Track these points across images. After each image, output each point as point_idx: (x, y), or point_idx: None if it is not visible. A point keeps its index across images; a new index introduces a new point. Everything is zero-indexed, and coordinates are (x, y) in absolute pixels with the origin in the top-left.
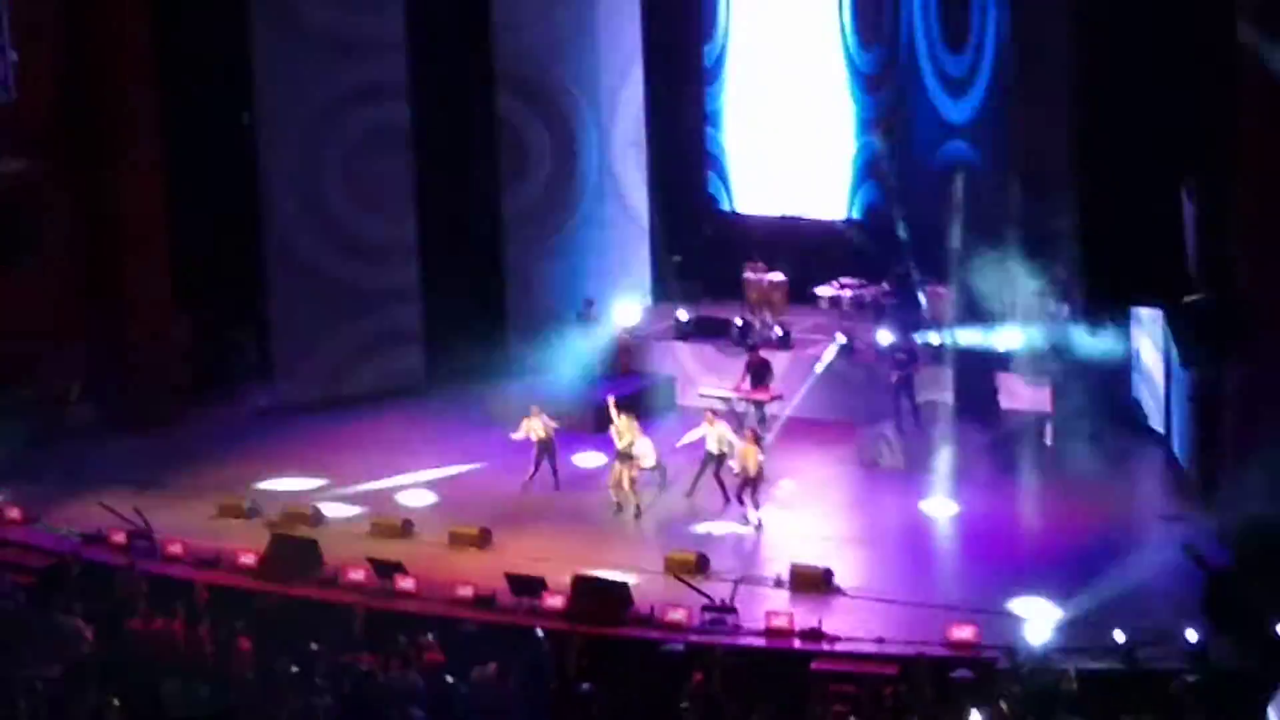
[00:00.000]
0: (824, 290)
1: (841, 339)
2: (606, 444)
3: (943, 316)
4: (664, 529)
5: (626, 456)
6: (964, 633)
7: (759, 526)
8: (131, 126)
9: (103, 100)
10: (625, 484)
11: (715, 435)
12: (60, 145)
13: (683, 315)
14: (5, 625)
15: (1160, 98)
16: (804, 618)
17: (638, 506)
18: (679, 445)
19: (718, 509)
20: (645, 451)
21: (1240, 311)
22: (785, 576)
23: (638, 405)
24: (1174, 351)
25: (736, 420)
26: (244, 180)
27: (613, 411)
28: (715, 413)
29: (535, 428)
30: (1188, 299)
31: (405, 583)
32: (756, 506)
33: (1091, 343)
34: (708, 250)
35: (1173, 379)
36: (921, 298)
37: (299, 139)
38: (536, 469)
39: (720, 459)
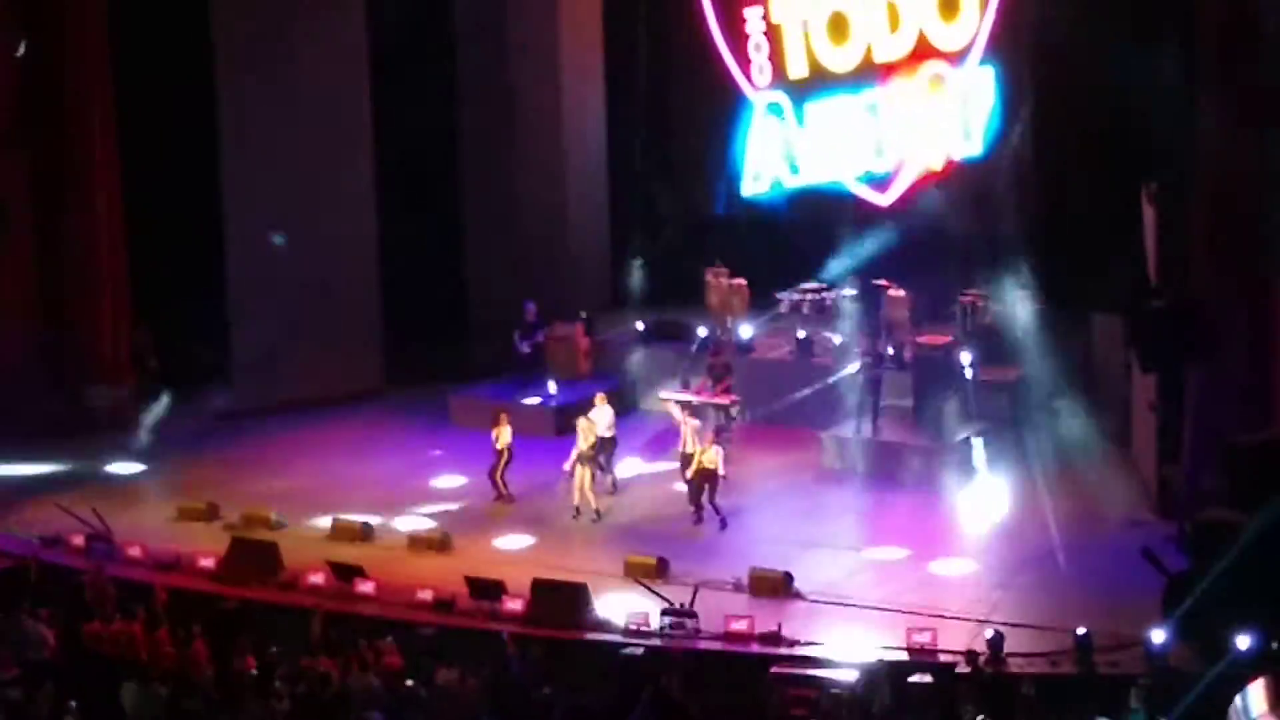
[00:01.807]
0: (784, 294)
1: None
2: (564, 448)
3: (902, 320)
4: (624, 532)
5: (588, 458)
6: (923, 637)
7: (724, 526)
8: (91, 130)
9: (62, 104)
10: (585, 486)
11: (690, 433)
12: (19, 150)
13: (642, 320)
14: None
15: (1120, 100)
16: (763, 621)
17: (596, 510)
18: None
19: (679, 512)
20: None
21: (1198, 317)
22: (745, 580)
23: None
24: (1132, 357)
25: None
26: (205, 182)
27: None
28: (687, 411)
29: (503, 435)
30: (1147, 305)
31: (365, 586)
32: (717, 509)
33: (1051, 347)
34: (668, 254)
35: (1133, 384)
36: (881, 301)
37: (260, 142)
38: (499, 481)
39: (691, 458)
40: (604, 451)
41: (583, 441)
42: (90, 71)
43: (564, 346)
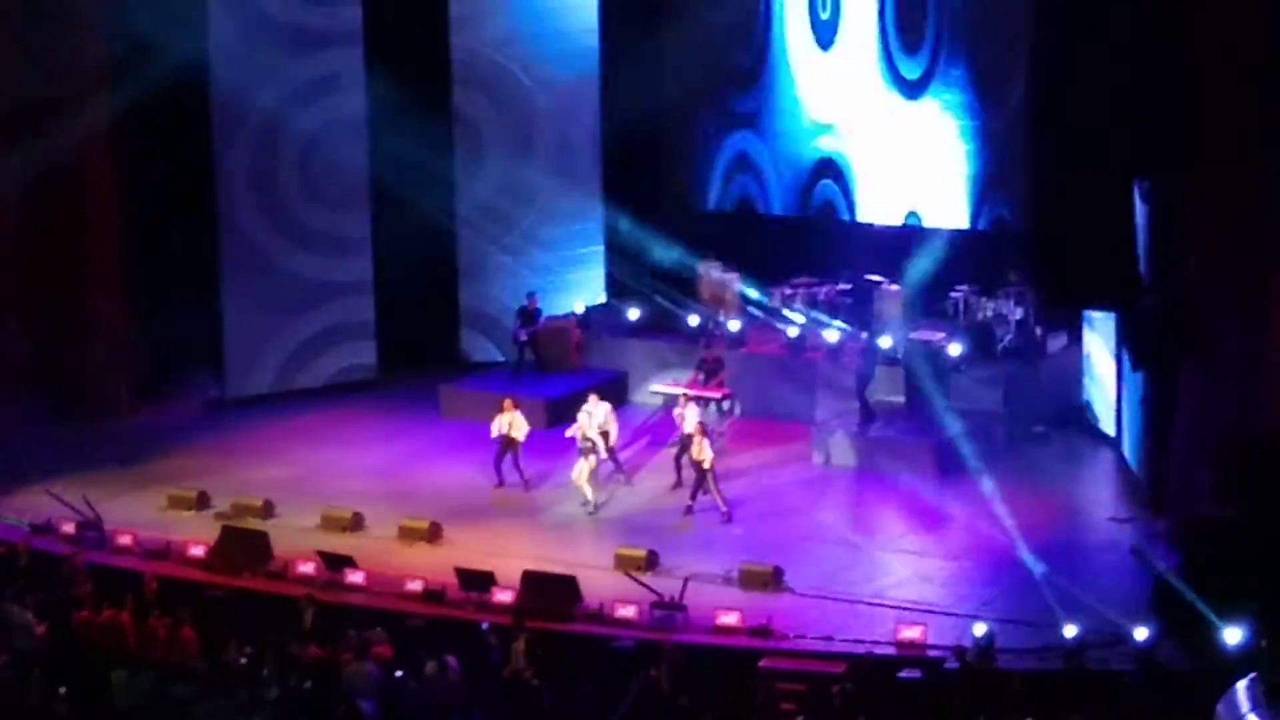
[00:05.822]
0: (777, 288)
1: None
2: (556, 440)
3: (894, 315)
4: (615, 525)
5: (587, 451)
6: (912, 632)
7: (728, 519)
8: (86, 117)
9: (58, 93)
10: (583, 478)
11: (690, 416)
12: (13, 137)
13: (635, 312)
14: None
15: (1114, 98)
16: (753, 615)
17: (594, 503)
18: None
19: (670, 505)
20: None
21: (1191, 314)
22: (735, 574)
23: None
24: (1125, 354)
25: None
26: (199, 172)
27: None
28: (688, 397)
29: (504, 424)
30: (1140, 302)
31: (355, 576)
32: (721, 503)
33: (1043, 344)
34: (661, 247)
35: (1124, 381)
36: (875, 297)
37: (255, 131)
38: (501, 470)
39: (690, 440)
40: (604, 445)
41: (575, 430)
42: (88, 67)
43: (556, 339)
